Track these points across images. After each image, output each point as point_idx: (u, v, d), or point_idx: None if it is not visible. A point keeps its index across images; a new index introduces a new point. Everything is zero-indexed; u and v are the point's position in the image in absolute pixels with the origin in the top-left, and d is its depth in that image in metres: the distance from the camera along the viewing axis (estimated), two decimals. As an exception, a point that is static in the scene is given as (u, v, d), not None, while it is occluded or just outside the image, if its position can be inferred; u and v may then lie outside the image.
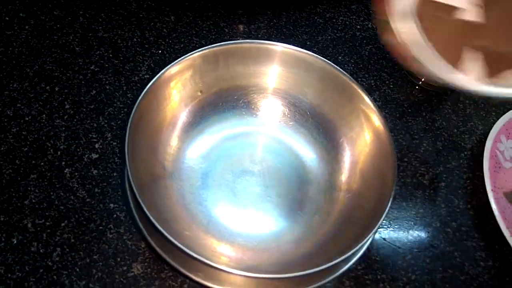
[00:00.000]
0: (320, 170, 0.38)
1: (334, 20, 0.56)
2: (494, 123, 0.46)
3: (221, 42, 0.38)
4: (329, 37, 0.54)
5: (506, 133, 0.45)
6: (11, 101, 0.45)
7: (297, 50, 0.38)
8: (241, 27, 0.54)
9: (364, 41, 0.54)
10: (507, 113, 0.46)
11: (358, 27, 0.56)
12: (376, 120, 0.35)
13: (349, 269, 0.35)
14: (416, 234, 0.42)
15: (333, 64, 0.38)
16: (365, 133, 0.36)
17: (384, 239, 0.41)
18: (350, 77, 0.37)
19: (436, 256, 0.41)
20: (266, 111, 0.41)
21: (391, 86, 0.51)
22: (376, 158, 0.35)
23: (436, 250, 0.41)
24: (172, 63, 0.35)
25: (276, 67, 0.39)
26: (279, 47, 0.38)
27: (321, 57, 0.38)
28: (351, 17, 0.57)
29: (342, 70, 0.37)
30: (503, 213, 0.40)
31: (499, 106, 0.51)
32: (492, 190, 0.42)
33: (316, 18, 0.56)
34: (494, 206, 0.41)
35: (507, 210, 0.41)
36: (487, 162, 0.43)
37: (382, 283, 0.38)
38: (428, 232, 0.42)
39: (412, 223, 0.42)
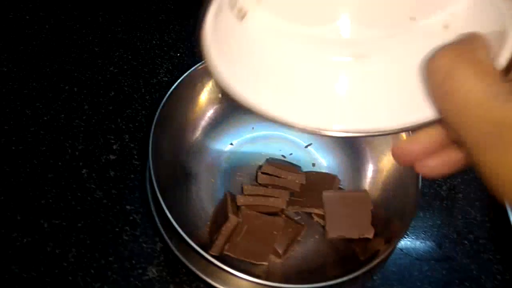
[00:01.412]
0: (341, 177, 0.38)
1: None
2: None
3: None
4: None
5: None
6: (30, 100, 0.45)
7: None
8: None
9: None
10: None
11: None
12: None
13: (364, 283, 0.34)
14: (433, 245, 0.41)
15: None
16: (389, 142, 0.36)
17: (401, 249, 0.41)
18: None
19: (453, 268, 0.40)
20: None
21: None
22: (400, 171, 0.34)
23: (453, 262, 0.40)
24: (194, 67, 0.35)
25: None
26: None
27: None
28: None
29: None
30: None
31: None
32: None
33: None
34: (512, 219, 0.40)
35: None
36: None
37: (398, 294, 0.38)
38: (445, 243, 0.42)
39: (429, 233, 0.42)
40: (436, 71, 0.17)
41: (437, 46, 0.18)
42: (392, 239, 0.31)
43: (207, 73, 0.37)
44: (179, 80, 0.34)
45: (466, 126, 0.16)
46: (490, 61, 0.17)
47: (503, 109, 0.16)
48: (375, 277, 0.38)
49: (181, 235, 0.28)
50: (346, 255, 0.34)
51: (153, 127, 0.32)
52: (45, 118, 0.44)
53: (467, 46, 0.18)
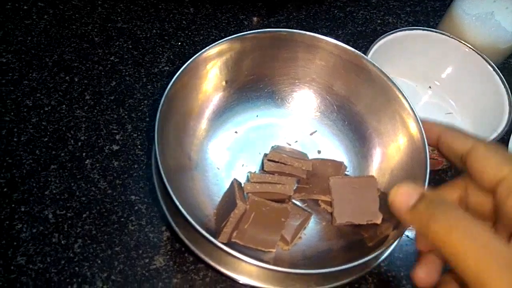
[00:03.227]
0: (347, 164, 0.38)
1: (355, 14, 0.55)
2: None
3: (245, 32, 0.37)
4: (349, 31, 0.54)
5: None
6: (31, 90, 0.44)
7: (329, 41, 0.37)
8: (260, 20, 0.53)
9: (385, 36, 0.53)
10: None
11: (379, 21, 0.55)
12: (411, 120, 0.34)
13: (373, 267, 0.34)
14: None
15: (367, 57, 0.37)
16: (398, 130, 0.35)
17: (407, 236, 0.41)
18: (384, 72, 0.36)
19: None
20: (291, 101, 0.41)
21: (412, 82, 0.50)
22: (408, 156, 0.34)
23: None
24: (198, 53, 0.35)
25: (304, 57, 0.38)
26: (312, 35, 0.37)
27: (355, 50, 0.37)
28: (372, 11, 0.56)
29: (380, 68, 0.36)
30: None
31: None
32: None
33: (336, 11, 0.55)
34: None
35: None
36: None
37: (405, 280, 0.38)
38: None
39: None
40: None
41: None
42: (400, 224, 0.30)
43: (210, 60, 0.36)
44: (182, 68, 0.33)
45: None
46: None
47: None
48: (381, 264, 0.38)
49: (190, 222, 0.28)
50: (354, 241, 0.33)
51: (158, 115, 0.31)
52: (46, 109, 0.43)
53: None
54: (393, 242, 0.29)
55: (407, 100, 0.34)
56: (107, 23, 0.50)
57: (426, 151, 0.32)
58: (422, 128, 0.33)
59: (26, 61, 0.46)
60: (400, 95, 0.35)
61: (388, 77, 0.35)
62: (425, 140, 0.32)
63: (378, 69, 0.36)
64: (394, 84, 0.35)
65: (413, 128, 0.34)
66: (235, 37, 0.35)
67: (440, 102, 0.48)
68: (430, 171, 0.32)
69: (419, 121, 0.33)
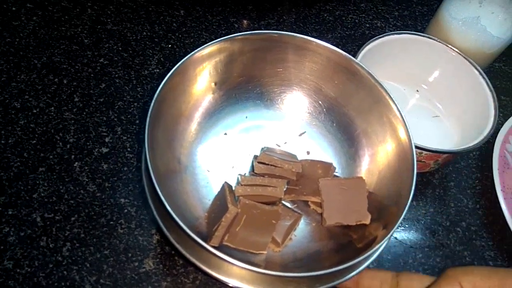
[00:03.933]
0: (336, 165, 0.38)
1: (344, 18, 0.56)
2: (502, 124, 0.46)
3: (235, 34, 0.37)
4: (338, 35, 0.54)
5: (514, 134, 0.46)
6: (19, 92, 0.44)
7: (318, 43, 0.37)
8: (250, 23, 0.54)
9: (374, 40, 0.54)
10: (516, 114, 0.46)
11: (367, 25, 0.56)
12: (398, 122, 0.34)
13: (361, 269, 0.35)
14: (427, 233, 0.42)
15: (355, 59, 0.37)
16: (386, 132, 0.36)
17: (395, 238, 0.41)
18: (372, 74, 0.36)
19: (446, 255, 0.41)
20: (280, 102, 0.41)
21: (401, 85, 0.51)
22: (395, 157, 0.35)
23: (446, 249, 0.41)
24: (188, 55, 0.35)
25: (293, 59, 0.39)
26: (302, 37, 0.37)
27: (344, 52, 0.37)
28: (360, 15, 0.57)
29: (369, 70, 0.36)
30: (512, 211, 0.41)
31: (507, 105, 0.51)
32: (501, 190, 0.42)
33: (325, 15, 0.56)
34: (503, 206, 0.41)
35: (516, 209, 0.42)
36: (496, 163, 0.43)
37: (394, 281, 0.38)
38: (438, 231, 0.42)
39: (423, 222, 0.42)
40: None
41: None
42: (388, 225, 0.31)
43: (200, 62, 0.37)
44: (172, 70, 0.33)
45: None
46: None
47: None
48: (370, 265, 0.38)
49: (180, 226, 0.28)
50: (343, 243, 0.34)
51: (148, 117, 0.31)
52: (35, 111, 0.43)
53: None
54: (381, 243, 0.30)
55: (394, 102, 0.35)
56: (97, 25, 0.50)
57: (413, 153, 0.33)
58: (409, 130, 0.33)
59: (14, 63, 0.46)
60: (387, 97, 0.35)
61: (376, 79, 0.36)
62: (412, 141, 0.33)
63: (366, 72, 0.36)
64: (382, 86, 0.36)
65: (401, 130, 0.34)
66: (225, 39, 0.36)
67: (428, 106, 0.49)
68: (418, 173, 0.32)
69: (407, 124, 0.34)
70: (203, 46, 0.35)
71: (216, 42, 0.35)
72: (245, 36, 0.36)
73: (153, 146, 0.31)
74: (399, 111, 0.35)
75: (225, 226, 0.32)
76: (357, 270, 0.31)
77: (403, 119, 0.34)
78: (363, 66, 0.36)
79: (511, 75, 0.56)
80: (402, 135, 0.34)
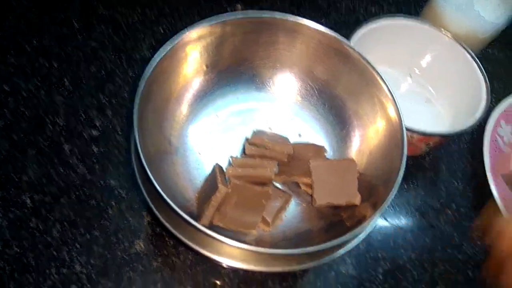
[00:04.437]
0: (327, 147, 0.38)
1: (338, 4, 0.56)
2: (494, 109, 0.46)
3: (228, 14, 0.37)
4: (332, 20, 0.54)
5: (505, 118, 0.46)
6: (8, 75, 0.43)
7: (309, 25, 0.37)
8: (244, 7, 0.53)
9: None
10: (507, 98, 0.46)
11: (362, 11, 0.55)
12: (389, 103, 0.34)
13: (351, 248, 0.35)
14: (417, 214, 0.42)
15: (347, 41, 0.37)
16: (377, 114, 0.36)
17: (385, 219, 0.41)
18: (363, 56, 0.36)
19: (436, 236, 0.41)
20: (272, 85, 0.41)
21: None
22: (385, 139, 0.35)
23: (436, 231, 0.41)
24: (178, 37, 0.34)
25: (285, 41, 0.38)
26: (293, 20, 0.37)
27: (335, 33, 0.37)
28: (355, 1, 0.56)
29: (355, 49, 0.36)
30: (502, 194, 0.41)
31: (499, 91, 0.51)
32: (491, 172, 0.42)
33: (319, 1, 0.55)
34: (493, 188, 0.41)
35: (506, 191, 0.42)
36: (488, 146, 0.43)
37: (383, 260, 0.39)
38: (429, 213, 0.42)
39: (413, 204, 0.43)
40: None
41: None
42: (377, 205, 0.31)
43: (189, 44, 0.36)
44: (161, 51, 0.33)
45: None
46: None
47: None
48: (360, 245, 0.39)
49: (170, 206, 0.28)
50: (333, 222, 0.34)
51: (137, 99, 0.31)
52: (24, 94, 0.43)
53: None
54: (370, 221, 0.30)
55: (385, 83, 0.35)
56: (88, 8, 0.49)
57: (403, 134, 0.33)
58: (400, 109, 0.33)
59: (4, 46, 0.45)
60: (378, 78, 0.35)
61: (367, 60, 0.36)
62: (402, 119, 0.33)
63: (357, 53, 0.36)
64: (373, 67, 0.36)
65: (391, 111, 0.34)
66: (215, 20, 0.35)
67: (420, 90, 0.49)
68: (409, 156, 0.32)
69: (397, 104, 0.34)
70: (192, 27, 0.35)
71: (205, 24, 0.35)
72: (235, 18, 0.36)
73: (142, 128, 0.31)
74: (390, 91, 0.35)
75: (214, 205, 0.32)
76: (346, 248, 0.31)
77: (394, 99, 0.34)
78: (354, 48, 0.36)
79: (503, 61, 0.56)
80: (392, 114, 0.34)
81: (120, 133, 0.42)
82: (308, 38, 0.38)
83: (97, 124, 0.42)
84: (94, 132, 0.42)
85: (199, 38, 0.36)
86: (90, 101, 0.43)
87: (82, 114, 0.42)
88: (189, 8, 0.52)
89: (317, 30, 0.37)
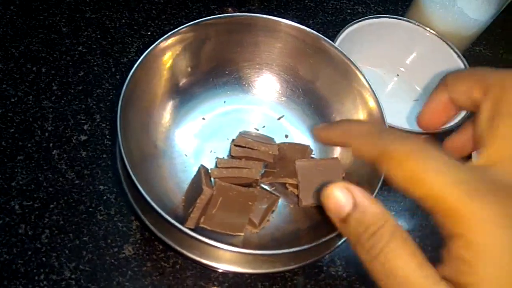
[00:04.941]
0: (313, 147, 0.38)
1: (325, 4, 0.56)
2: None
3: (210, 16, 0.37)
4: (320, 21, 0.54)
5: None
6: (-4, 81, 0.43)
7: (291, 25, 0.37)
8: (231, 9, 0.53)
9: (354, 25, 0.54)
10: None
11: (349, 11, 0.56)
12: (371, 100, 0.35)
13: (340, 249, 0.35)
14: (406, 214, 0.42)
15: (329, 40, 0.37)
16: (359, 112, 0.36)
17: (374, 218, 0.41)
18: (345, 55, 0.36)
19: (425, 235, 0.41)
20: (258, 86, 0.41)
21: (381, 70, 0.51)
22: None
23: (426, 230, 0.42)
24: (161, 39, 0.34)
25: (269, 42, 0.39)
26: (273, 20, 0.37)
27: (317, 33, 0.37)
28: (342, 1, 0.57)
29: (338, 47, 0.36)
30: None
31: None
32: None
33: (307, 1, 0.56)
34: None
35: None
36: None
37: (373, 261, 0.39)
38: (418, 212, 0.43)
39: (402, 203, 0.43)
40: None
41: None
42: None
43: (172, 46, 0.36)
44: (144, 54, 0.33)
45: None
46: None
47: None
48: (350, 247, 0.39)
49: (155, 209, 0.28)
50: (320, 222, 0.34)
51: (120, 102, 0.31)
52: (13, 100, 0.43)
53: None
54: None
55: (367, 81, 0.35)
56: (75, 13, 0.50)
57: (384, 125, 0.33)
58: (382, 109, 0.33)
59: (-9, 52, 0.45)
60: (361, 77, 0.36)
61: (350, 60, 0.36)
62: (385, 119, 0.33)
63: (340, 52, 0.36)
64: (356, 67, 0.36)
65: (373, 109, 0.34)
66: (196, 22, 0.35)
67: (407, 89, 0.49)
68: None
69: (380, 102, 0.34)
70: (174, 31, 0.35)
71: (188, 25, 0.35)
72: (215, 20, 0.36)
73: (127, 132, 0.31)
74: (371, 88, 0.35)
75: (200, 207, 0.32)
76: (332, 248, 0.31)
77: (376, 96, 0.34)
78: (336, 46, 0.37)
79: (491, 59, 0.56)
80: (375, 113, 0.34)
81: (108, 137, 0.42)
82: (289, 37, 0.38)
83: (86, 128, 0.42)
84: (83, 137, 0.42)
85: (182, 40, 0.36)
86: (78, 106, 0.43)
87: (71, 119, 0.42)
88: (177, 11, 0.52)
89: (297, 28, 0.37)
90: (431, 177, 0.17)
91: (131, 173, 0.29)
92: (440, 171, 0.17)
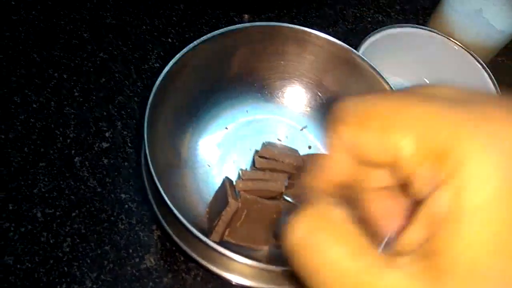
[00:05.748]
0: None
1: (345, 12, 0.55)
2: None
3: (236, 25, 0.37)
4: (339, 29, 0.54)
5: None
6: (18, 87, 0.44)
7: (319, 35, 0.37)
8: (251, 17, 0.53)
9: (375, 34, 0.53)
10: None
11: (369, 19, 0.55)
12: None
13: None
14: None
15: (357, 52, 0.37)
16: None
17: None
18: (374, 67, 0.36)
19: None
20: (281, 96, 0.41)
21: (402, 80, 0.50)
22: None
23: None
24: (188, 47, 0.34)
25: (295, 51, 0.38)
26: (302, 29, 0.36)
27: (346, 45, 0.37)
28: (362, 9, 0.56)
29: (366, 59, 0.36)
30: None
31: (509, 101, 0.51)
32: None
33: (326, 9, 0.55)
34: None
35: None
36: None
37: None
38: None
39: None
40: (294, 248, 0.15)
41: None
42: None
43: (198, 55, 0.36)
44: (170, 63, 0.33)
45: None
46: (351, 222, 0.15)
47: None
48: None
49: (181, 222, 0.28)
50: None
51: (147, 111, 0.31)
52: (35, 106, 0.43)
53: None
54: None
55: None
56: (96, 19, 0.50)
57: None
58: None
59: (14, 57, 0.45)
60: (387, 88, 0.35)
61: (377, 71, 0.36)
62: None
63: (367, 63, 0.36)
64: (383, 78, 0.35)
65: None
66: (223, 31, 0.35)
67: (430, 99, 0.48)
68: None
69: None
70: (201, 39, 0.35)
71: (215, 34, 0.35)
72: (243, 28, 0.36)
73: (152, 141, 0.31)
74: None
75: (225, 221, 0.32)
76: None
77: None
78: (364, 57, 0.36)
79: (513, 69, 0.55)
80: None
81: (130, 144, 0.42)
82: (316, 48, 0.38)
83: (107, 135, 0.42)
84: (104, 144, 0.42)
85: (207, 48, 0.36)
86: (100, 113, 0.43)
87: (92, 126, 0.42)
88: (196, 18, 0.51)
89: (325, 39, 0.37)
90: None
91: (157, 184, 0.29)
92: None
